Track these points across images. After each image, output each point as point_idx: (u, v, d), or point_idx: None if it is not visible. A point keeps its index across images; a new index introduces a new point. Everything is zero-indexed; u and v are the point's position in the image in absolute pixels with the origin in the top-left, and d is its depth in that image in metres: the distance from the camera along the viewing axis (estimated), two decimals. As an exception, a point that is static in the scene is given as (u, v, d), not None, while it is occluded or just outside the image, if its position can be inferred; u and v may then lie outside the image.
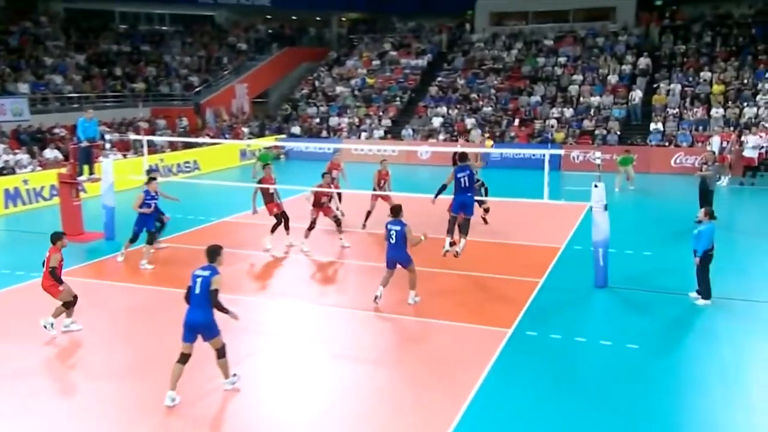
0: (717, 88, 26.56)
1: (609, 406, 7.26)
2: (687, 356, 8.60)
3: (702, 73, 27.51)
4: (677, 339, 9.13)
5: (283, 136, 29.74)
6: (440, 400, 7.34)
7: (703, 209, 10.58)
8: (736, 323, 9.62)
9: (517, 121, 27.81)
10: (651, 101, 27.16)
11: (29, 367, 8.23)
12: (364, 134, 29.29)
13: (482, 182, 14.60)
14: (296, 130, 30.38)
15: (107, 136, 16.47)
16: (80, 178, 15.21)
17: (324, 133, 29.96)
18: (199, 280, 7.13)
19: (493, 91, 30.08)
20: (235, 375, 7.60)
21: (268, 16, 39.67)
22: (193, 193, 18.15)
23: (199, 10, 36.91)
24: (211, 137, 26.21)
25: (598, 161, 11.10)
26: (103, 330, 9.28)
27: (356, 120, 30.34)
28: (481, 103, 29.44)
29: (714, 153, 17.37)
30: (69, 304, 9.21)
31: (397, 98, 31.50)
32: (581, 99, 28.40)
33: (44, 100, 26.00)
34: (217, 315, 7.23)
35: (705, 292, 10.25)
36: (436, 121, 28.97)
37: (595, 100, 28.03)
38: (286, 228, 13.71)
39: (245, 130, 29.77)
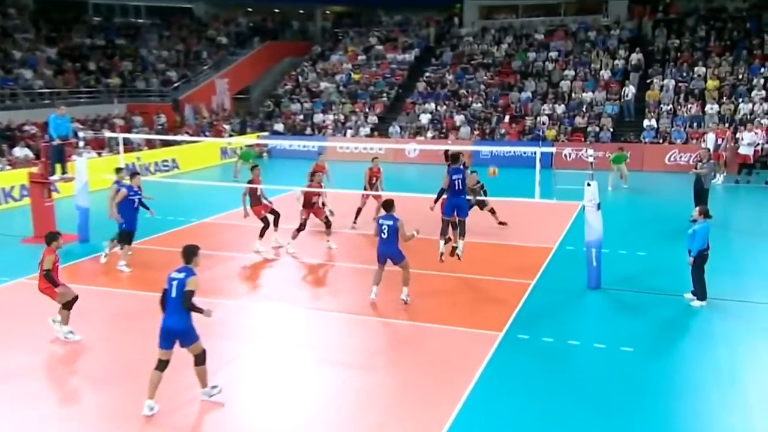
0: (711, 83, 26.84)
1: (603, 411, 7.31)
2: (682, 359, 8.69)
3: (696, 68, 27.78)
4: (672, 341, 9.22)
5: (266, 133, 29.65)
6: (429, 407, 7.36)
7: (697, 208, 10.70)
8: (732, 325, 9.73)
9: (507, 118, 27.93)
10: (644, 97, 27.40)
11: (1, 374, 8.15)
12: (349, 132, 29.28)
13: (482, 184, 14.63)
14: (279, 127, 30.30)
15: (80, 134, 16.29)
16: (52, 178, 15.07)
17: (308, 131, 29.91)
18: (174, 283, 7.06)
19: (482, 86, 30.18)
20: (215, 387, 7.44)
21: (249, 9, 39.56)
22: (171, 192, 18.04)
23: (177, 2, 36.75)
24: (190, 135, 26.09)
25: (590, 159, 11.17)
26: (79, 336, 9.19)
27: (341, 117, 30.32)
28: (470, 99, 29.54)
29: (709, 150, 17.51)
30: (69, 305, 9.11)
31: (384, 94, 31.51)
32: (573, 95, 28.58)
33: (13, 96, 25.73)
34: (196, 319, 7.19)
35: (700, 293, 10.35)
36: (424, 118, 29.03)
37: (588, 96, 28.22)
38: (275, 225, 13.76)
39: (227, 127, 29.65)
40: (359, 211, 15.45)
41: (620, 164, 20.70)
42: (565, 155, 23.85)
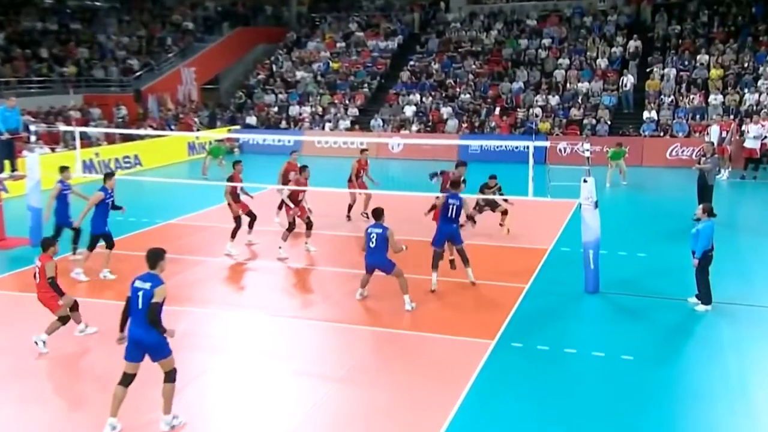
0: (715, 72, 27.11)
1: (602, 424, 7.33)
2: (686, 367, 8.76)
3: (699, 56, 28.03)
4: (675, 349, 9.28)
5: (237, 127, 29.50)
6: (414, 424, 7.33)
7: (701, 206, 10.77)
8: (740, 330, 9.82)
9: (497, 110, 28.04)
10: (644, 87, 27.63)
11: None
12: (328, 125, 29.22)
13: (500, 186, 14.62)
14: (251, 120, 30.15)
15: (32, 127, 16.16)
16: (1, 176, 14.86)
17: (283, 124, 29.80)
18: (140, 293, 6.96)
19: (471, 76, 30.26)
20: (176, 417, 7.21)
21: (218, -8, 39.30)
22: (134, 192, 17.86)
23: (139, -17, 36.43)
24: (154, 129, 25.86)
25: (587, 153, 11.24)
26: (34, 350, 9.06)
27: (319, 109, 30.25)
28: (458, 89, 29.61)
29: (713, 144, 17.67)
30: (65, 319, 9.19)
31: (365, 85, 31.48)
32: (568, 85, 28.75)
33: (-43, 87, 25.35)
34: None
35: (705, 296, 10.44)
36: (409, 110, 29.04)
37: (583, 86, 28.41)
38: (250, 227, 13.88)
39: (196, 119, 29.45)
40: (350, 207, 15.95)
41: (619, 160, 20.85)
42: (560, 150, 24.00)
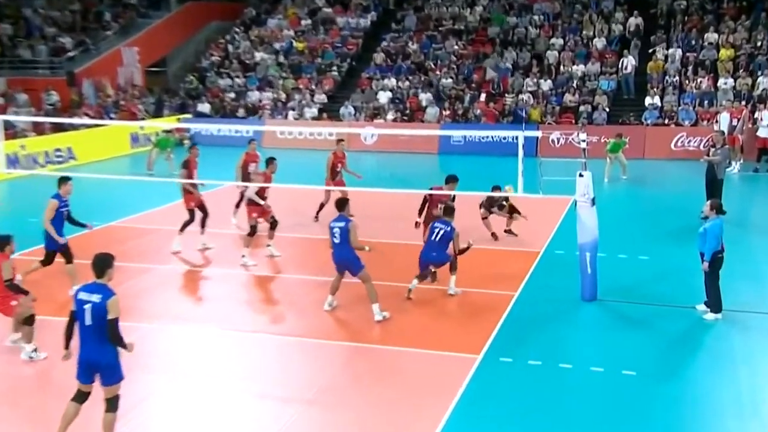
0: (725, 53, 27.45)
1: (601, 448, 7.43)
2: (694, 383, 8.86)
3: (707, 35, 28.38)
4: (682, 362, 9.40)
5: (188, 115, 29.31)
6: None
7: (709, 202, 10.92)
8: (753, 341, 9.97)
9: (483, 96, 28.18)
10: (646, 70, 27.94)
11: None
12: (291, 113, 29.12)
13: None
14: (205, 108, 29.96)
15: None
16: None
17: (240, 112, 29.65)
18: (88, 307, 6.83)
19: (453, 58, 30.38)
20: None
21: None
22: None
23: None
24: (91, 117, 25.55)
25: (583, 145, 11.32)
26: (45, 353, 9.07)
27: (282, 95, 30.14)
28: (438, 73, 29.70)
29: (723, 133, 17.86)
30: (31, 319, 9.18)
31: (334, 67, 31.44)
32: (561, 68, 28.98)
33: None
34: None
35: (714, 303, 10.58)
36: (383, 97, 29.07)
37: (579, 69, 28.65)
38: (202, 225, 13.91)
39: (140, 107, 29.18)
40: (322, 206, 15.86)
41: (618, 153, 20.92)
42: (553, 140, 24.20)
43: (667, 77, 27.33)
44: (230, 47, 33.51)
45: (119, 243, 14.43)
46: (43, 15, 32.33)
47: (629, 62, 27.75)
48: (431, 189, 12.74)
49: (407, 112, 28.28)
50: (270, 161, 13.60)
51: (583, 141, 11.39)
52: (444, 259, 11.50)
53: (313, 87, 30.51)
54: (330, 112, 29.11)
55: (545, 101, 27.61)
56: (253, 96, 30.38)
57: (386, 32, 32.65)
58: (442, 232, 11.48)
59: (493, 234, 14.47)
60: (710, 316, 10.55)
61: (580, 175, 10.91)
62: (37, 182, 14.11)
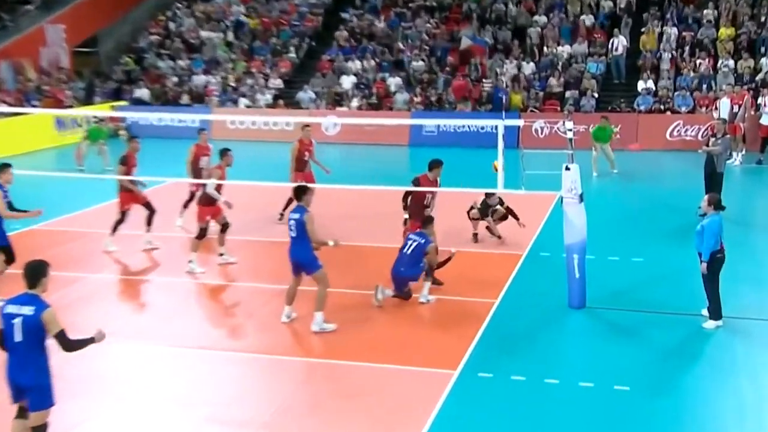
0: (725, 31, 27.80)
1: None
2: (693, 399, 8.97)
3: (705, 12, 28.71)
4: (680, 376, 9.49)
5: (124, 103, 29.09)
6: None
7: (706, 196, 11.03)
8: (756, 351, 10.11)
9: (458, 81, 28.29)
10: (638, 51, 28.22)
11: None
12: (243, 100, 28.98)
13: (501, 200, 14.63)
14: (143, 93, 29.69)
15: None
16: None
17: (184, 99, 29.43)
18: (18, 321, 6.72)
19: (425, 37, 30.44)
20: None
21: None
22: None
23: None
24: (10, 105, 25.18)
25: (569, 134, 11.39)
26: None
27: (232, 80, 29.97)
28: (408, 55, 29.75)
29: (724, 121, 18.02)
30: None
31: (291, 48, 31.35)
32: (545, 49, 29.18)
33: None
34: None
35: (714, 310, 10.68)
36: (347, 81, 29.05)
37: (564, 50, 28.87)
38: (148, 223, 14.03)
39: (68, 93, 28.82)
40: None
41: (605, 143, 20.94)
42: (536, 130, 24.36)
43: (661, 54, 27.53)
44: (171, 24, 33.25)
45: (44, 249, 14.17)
46: (-47, -12, 31.82)
47: (620, 42, 28.00)
48: (416, 179, 12.58)
49: (374, 98, 28.29)
50: (224, 153, 13.49)
51: (570, 130, 11.46)
52: (416, 275, 11.56)
53: (268, 70, 30.39)
54: (286, 98, 29.02)
55: (527, 86, 27.76)
56: (199, 80, 30.17)
57: (349, 8, 32.61)
58: (415, 244, 11.54)
59: (474, 235, 14.54)
60: (710, 324, 10.65)
61: (567, 169, 10.97)
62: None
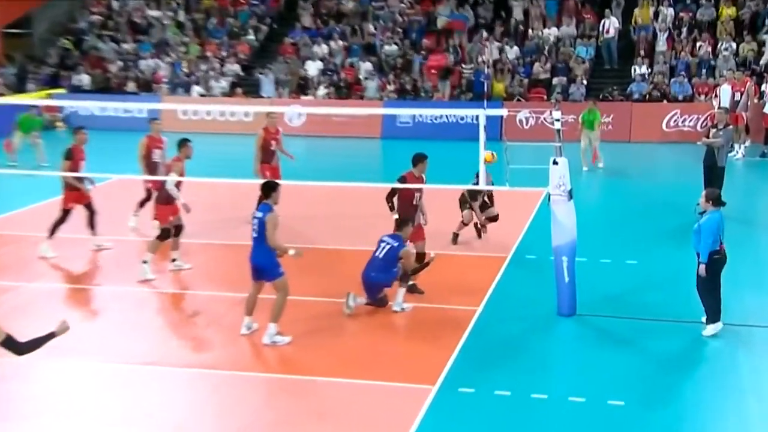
0: (726, 11, 28.08)
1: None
2: (693, 414, 9.06)
3: (704, -10, 29.03)
4: (678, 389, 9.58)
5: (61, 90, 28.93)
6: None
7: (704, 192, 11.09)
8: (762, 362, 10.22)
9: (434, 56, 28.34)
10: (630, 34, 28.44)
11: None
12: (196, 88, 28.87)
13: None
14: (83, 80, 29.50)
15: None
16: None
17: (130, 86, 29.27)
18: None
19: (398, 18, 30.48)
20: None
21: None
22: None
23: None
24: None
25: (557, 125, 11.45)
26: None
27: (184, 65, 29.84)
28: (380, 38, 29.77)
29: (726, 110, 18.18)
30: None
31: (250, 30, 31.25)
32: (530, 31, 29.34)
33: None
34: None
35: (713, 311, 10.74)
36: (313, 67, 29.03)
37: (551, 32, 29.02)
38: (90, 226, 14.00)
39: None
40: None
41: (593, 130, 21.01)
42: (521, 121, 24.49)
43: (657, 40, 27.79)
44: (115, 3, 33.05)
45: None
46: None
47: (611, 24, 28.19)
48: (402, 177, 12.50)
49: (342, 85, 28.29)
50: (183, 143, 13.40)
51: (558, 121, 11.48)
52: (388, 281, 11.60)
53: (224, 54, 30.29)
54: (246, 86, 28.98)
55: (511, 72, 27.89)
56: (146, 66, 30.01)
57: (314, -14, 32.63)
58: (388, 248, 11.58)
59: (455, 236, 14.53)
60: (710, 329, 10.70)
61: (555, 163, 11.02)
62: None
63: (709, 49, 27.16)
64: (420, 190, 12.46)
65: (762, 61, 26.15)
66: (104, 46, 31.07)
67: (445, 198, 14.62)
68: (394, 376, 9.67)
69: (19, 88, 29.12)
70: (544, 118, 23.32)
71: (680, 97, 26.01)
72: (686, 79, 26.34)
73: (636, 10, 28.51)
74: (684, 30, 28.00)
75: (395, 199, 12.38)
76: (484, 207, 14.71)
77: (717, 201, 10.71)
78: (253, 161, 15.78)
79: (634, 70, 27.09)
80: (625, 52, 28.27)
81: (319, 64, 29.15)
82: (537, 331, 11.13)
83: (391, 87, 27.73)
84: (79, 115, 27.11)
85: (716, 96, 23.74)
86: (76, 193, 13.84)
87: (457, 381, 9.52)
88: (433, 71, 28.04)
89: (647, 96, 26.37)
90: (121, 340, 10.97)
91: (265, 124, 16.08)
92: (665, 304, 11.84)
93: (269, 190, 10.61)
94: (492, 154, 13.22)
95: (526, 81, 27.57)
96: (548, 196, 11.28)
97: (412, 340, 10.88)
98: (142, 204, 15.26)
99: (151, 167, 14.72)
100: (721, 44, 27.01)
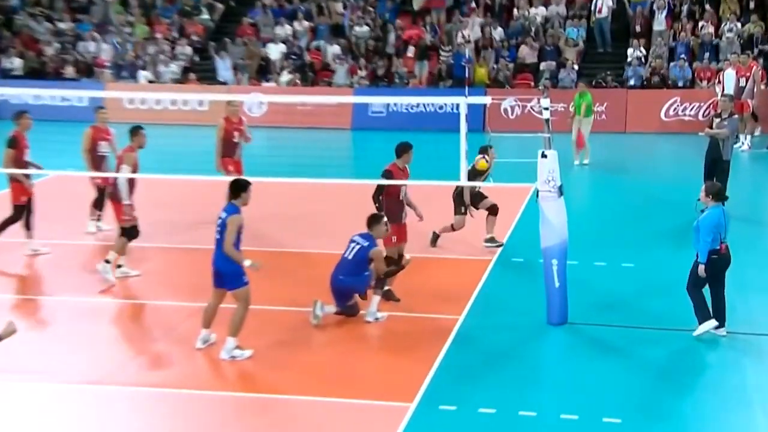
0: (730, -11, 28.31)
1: None
2: (695, 430, 9.14)
3: (705, -34, 29.20)
4: (679, 404, 9.64)
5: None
6: None
7: (704, 186, 11.21)
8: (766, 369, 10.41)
9: (411, 50, 28.39)
10: (625, 13, 28.58)
11: None
12: (144, 73, 28.73)
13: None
14: (14, 64, 29.31)
15: None
16: None
17: (69, 72, 29.08)
18: None
19: (369, -4, 30.51)
20: None
21: None
22: None
23: None
24: None
25: (546, 114, 11.49)
26: None
27: (130, 48, 29.68)
28: (351, 18, 29.74)
29: (731, 98, 18.18)
30: None
31: (204, 9, 31.15)
32: (516, 11, 29.42)
33: None
34: None
35: (700, 311, 10.82)
36: (275, 51, 28.97)
37: (538, 12, 29.12)
38: (27, 226, 13.95)
39: None
40: None
41: (588, 116, 20.98)
42: (506, 110, 24.59)
43: (654, 23, 27.85)
44: (53, -21, 32.85)
45: None
46: None
47: (604, 3, 28.24)
48: (386, 171, 12.48)
49: (308, 72, 28.26)
50: (135, 132, 13.32)
51: (546, 110, 11.49)
52: (358, 286, 11.58)
53: (175, 36, 30.17)
54: (199, 71, 28.87)
55: (495, 55, 27.94)
56: (87, 48, 29.83)
57: (275, -40, 32.58)
58: (357, 248, 11.52)
59: (434, 237, 14.50)
60: (703, 327, 10.73)
61: (543, 156, 11.08)
62: None
63: (712, 29, 27.27)
64: (405, 184, 12.43)
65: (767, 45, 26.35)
66: (38, 26, 30.82)
67: (423, 195, 14.63)
68: (367, 394, 9.69)
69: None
70: (532, 107, 23.38)
71: (680, 83, 26.15)
72: (687, 63, 26.45)
73: None
74: (684, 9, 28.10)
75: (381, 197, 12.32)
76: (479, 197, 14.57)
77: (718, 195, 10.81)
78: (214, 155, 15.73)
79: (630, 53, 27.15)
80: (619, 33, 28.34)
81: (281, 47, 29.07)
82: (525, 341, 11.18)
83: (362, 72, 27.71)
84: (10, 103, 26.78)
85: (719, 82, 23.75)
86: (21, 187, 13.76)
87: (437, 398, 9.54)
88: (409, 54, 27.98)
89: (644, 82, 26.51)
90: (60, 357, 10.89)
91: (226, 114, 16.00)
92: (665, 311, 11.92)
93: (239, 189, 10.43)
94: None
95: (511, 65, 27.62)
96: (536, 192, 11.33)
97: (388, 353, 10.91)
98: (96, 205, 15.10)
99: (97, 161, 14.65)
100: (725, 24, 27.15)
